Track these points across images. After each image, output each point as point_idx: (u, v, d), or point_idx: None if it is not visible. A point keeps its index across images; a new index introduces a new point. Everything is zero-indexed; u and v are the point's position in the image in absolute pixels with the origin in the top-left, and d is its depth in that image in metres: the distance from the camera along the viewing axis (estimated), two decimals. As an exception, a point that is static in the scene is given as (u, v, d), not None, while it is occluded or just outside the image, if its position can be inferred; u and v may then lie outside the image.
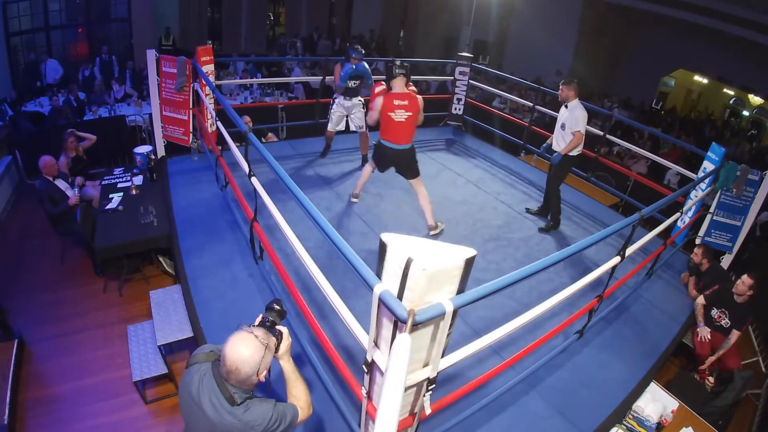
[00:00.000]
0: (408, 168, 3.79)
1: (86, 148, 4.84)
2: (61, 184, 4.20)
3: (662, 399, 2.79)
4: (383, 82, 3.88)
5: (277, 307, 1.63)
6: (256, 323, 1.56)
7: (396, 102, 3.55)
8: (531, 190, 5.00)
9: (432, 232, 3.86)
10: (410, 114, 3.59)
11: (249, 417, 1.43)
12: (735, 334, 3.37)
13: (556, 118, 4.14)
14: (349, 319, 1.78)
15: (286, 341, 1.60)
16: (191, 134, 4.65)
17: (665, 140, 7.64)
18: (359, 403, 1.84)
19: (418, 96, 3.66)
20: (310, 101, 6.00)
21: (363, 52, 4.50)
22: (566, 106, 3.97)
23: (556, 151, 4.09)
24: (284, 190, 2.28)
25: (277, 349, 1.56)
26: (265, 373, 1.45)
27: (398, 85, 3.59)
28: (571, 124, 3.89)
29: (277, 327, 1.58)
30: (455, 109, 6.23)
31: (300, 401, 1.63)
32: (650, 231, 3.19)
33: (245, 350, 1.39)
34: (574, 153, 4.04)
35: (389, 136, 3.66)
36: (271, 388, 1.57)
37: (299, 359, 2.56)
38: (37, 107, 6.87)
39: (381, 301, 1.43)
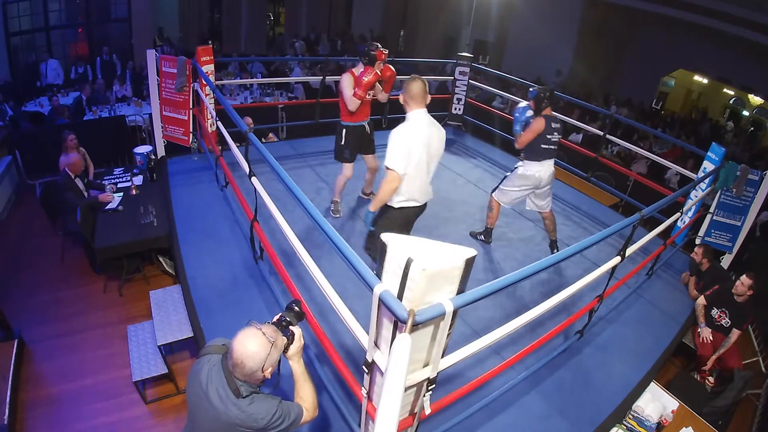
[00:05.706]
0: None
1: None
2: (79, 183, 4.19)
3: (662, 399, 2.79)
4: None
5: (296, 308, 1.66)
6: (273, 321, 1.59)
7: None
8: (531, 190, 4.99)
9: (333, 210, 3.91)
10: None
11: (253, 410, 1.46)
12: (735, 333, 3.37)
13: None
14: (349, 319, 1.78)
15: (298, 343, 1.62)
16: (191, 134, 4.65)
17: (663, 141, 7.63)
18: (359, 403, 1.84)
19: (346, 75, 3.53)
20: (311, 101, 5.98)
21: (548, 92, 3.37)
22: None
23: None
24: (284, 190, 2.28)
25: (287, 349, 1.58)
26: (270, 370, 1.47)
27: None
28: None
29: (291, 328, 1.61)
30: (455, 109, 6.23)
31: (306, 402, 1.65)
32: (650, 231, 3.18)
33: (252, 346, 1.42)
34: (399, 204, 2.55)
35: None
36: (279, 386, 1.58)
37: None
38: (37, 107, 6.87)
39: (381, 301, 1.43)
